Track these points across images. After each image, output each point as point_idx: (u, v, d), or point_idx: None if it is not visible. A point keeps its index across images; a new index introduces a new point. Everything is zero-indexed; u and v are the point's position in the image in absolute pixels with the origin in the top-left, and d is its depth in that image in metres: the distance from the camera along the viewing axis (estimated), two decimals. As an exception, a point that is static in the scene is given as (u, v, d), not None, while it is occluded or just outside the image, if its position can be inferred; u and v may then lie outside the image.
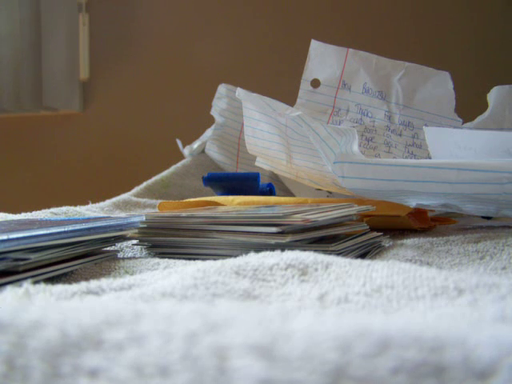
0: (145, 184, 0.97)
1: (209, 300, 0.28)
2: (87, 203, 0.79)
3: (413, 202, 0.54)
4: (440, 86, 0.76)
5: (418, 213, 0.60)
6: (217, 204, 0.63)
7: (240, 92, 0.63)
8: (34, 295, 0.28)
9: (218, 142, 1.08)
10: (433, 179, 0.52)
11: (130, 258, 0.44)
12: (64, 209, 0.67)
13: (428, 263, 0.41)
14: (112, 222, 0.43)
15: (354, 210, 0.47)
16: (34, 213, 0.63)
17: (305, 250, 0.35)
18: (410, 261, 0.41)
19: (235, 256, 0.36)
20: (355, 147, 0.55)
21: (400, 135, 0.77)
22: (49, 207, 0.66)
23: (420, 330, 0.17)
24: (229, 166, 1.07)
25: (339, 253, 0.40)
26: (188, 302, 0.27)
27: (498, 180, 0.50)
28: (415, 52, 1.35)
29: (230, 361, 0.16)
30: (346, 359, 0.15)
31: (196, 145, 1.11)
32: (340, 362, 0.15)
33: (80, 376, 0.16)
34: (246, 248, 0.41)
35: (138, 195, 0.93)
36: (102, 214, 0.75)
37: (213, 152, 1.09)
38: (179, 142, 1.14)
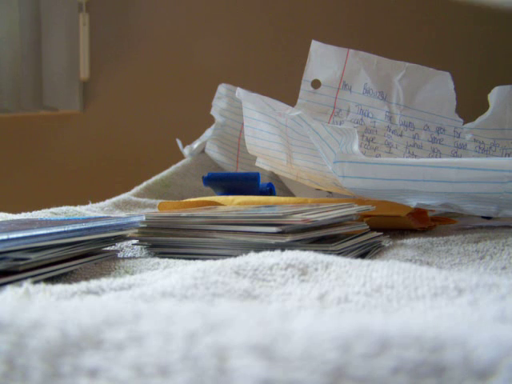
0: (145, 184, 0.97)
1: (209, 300, 0.28)
2: (87, 203, 0.79)
3: (413, 202, 0.54)
4: (441, 86, 0.76)
5: (418, 213, 0.60)
6: (217, 204, 0.63)
7: (240, 92, 0.63)
8: (34, 295, 0.28)
9: (218, 141, 1.08)
10: (433, 178, 0.52)
11: (130, 258, 0.44)
12: (64, 209, 0.67)
13: (428, 263, 0.41)
14: (112, 222, 0.43)
15: (354, 209, 0.47)
16: (34, 213, 0.63)
17: (305, 250, 0.35)
18: (410, 261, 0.41)
19: (235, 256, 0.36)
20: (355, 147, 0.55)
21: (401, 136, 0.77)
22: (49, 207, 0.66)
23: (420, 330, 0.17)
24: (229, 165, 1.07)
25: (339, 253, 0.40)
26: (188, 301, 0.27)
27: (499, 179, 0.50)
28: (416, 52, 1.35)
29: (230, 361, 0.16)
30: (346, 359, 0.15)
31: (196, 145, 1.11)
32: (340, 361, 0.15)
33: (80, 376, 0.16)
34: (246, 248, 0.41)
35: (138, 195, 0.93)
36: (101, 214, 0.75)
37: (213, 152, 1.09)
38: (179, 142, 1.14)
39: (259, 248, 0.40)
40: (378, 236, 0.49)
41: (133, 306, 0.20)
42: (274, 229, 0.40)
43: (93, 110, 1.64)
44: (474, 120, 0.76)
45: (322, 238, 0.44)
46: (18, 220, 0.49)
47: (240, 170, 1.05)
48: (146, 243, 0.48)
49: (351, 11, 1.43)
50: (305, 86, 0.77)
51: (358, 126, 0.77)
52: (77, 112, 1.63)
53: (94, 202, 0.81)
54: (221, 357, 0.16)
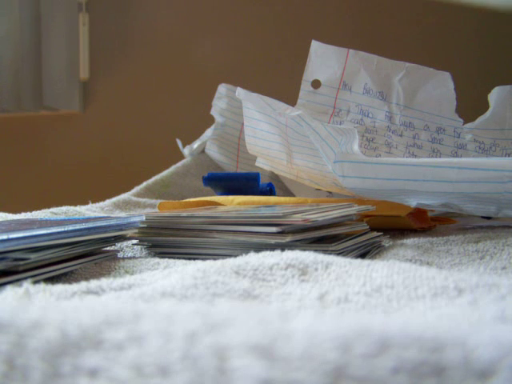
0: (145, 184, 0.97)
1: (209, 300, 0.28)
2: (87, 203, 0.79)
3: (413, 202, 0.54)
4: (441, 86, 0.76)
5: (418, 213, 0.60)
6: (217, 204, 0.63)
7: (240, 92, 0.63)
8: (34, 295, 0.28)
9: (217, 141, 1.08)
10: (433, 178, 0.52)
11: (130, 258, 0.44)
12: (64, 209, 0.67)
13: (428, 263, 0.41)
14: (112, 222, 0.43)
15: (354, 209, 0.47)
16: (34, 213, 0.63)
17: (305, 250, 0.35)
18: (410, 261, 0.41)
19: (235, 256, 0.36)
20: (355, 147, 0.55)
21: (401, 136, 0.77)
22: (49, 207, 0.66)
23: (420, 330, 0.17)
24: (229, 165, 1.07)
25: (339, 253, 0.40)
26: (188, 301, 0.27)
27: (499, 178, 0.50)
28: (416, 52, 1.35)
29: (229, 361, 0.16)
30: (346, 359, 0.15)
31: (196, 145, 1.11)
32: (340, 361, 0.15)
33: (80, 376, 0.16)
34: (246, 248, 0.41)
35: (138, 195, 0.93)
36: (101, 214, 0.75)
37: (213, 152, 1.09)
38: (179, 142, 1.14)
39: (259, 248, 0.40)
40: (378, 236, 0.49)
41: (133, 305, 0.20)
42: (274, 229, 0.40)
43: (93, 110, 1.64)
44: (474, 120, 0.76)
45: (322, 238, 0.44)
46: (18, 220, 0.49)
47: (240, 170, 1.05)
48: (145, 243, 0.48)
49: (351, 11, 1.43)
50: (305, 86, 0.78)
51: (358, 126, 0.77)
52: (77, 112, 1.63)
53: (93, 202, 0.81)
54: (221, 357, 0.16)
